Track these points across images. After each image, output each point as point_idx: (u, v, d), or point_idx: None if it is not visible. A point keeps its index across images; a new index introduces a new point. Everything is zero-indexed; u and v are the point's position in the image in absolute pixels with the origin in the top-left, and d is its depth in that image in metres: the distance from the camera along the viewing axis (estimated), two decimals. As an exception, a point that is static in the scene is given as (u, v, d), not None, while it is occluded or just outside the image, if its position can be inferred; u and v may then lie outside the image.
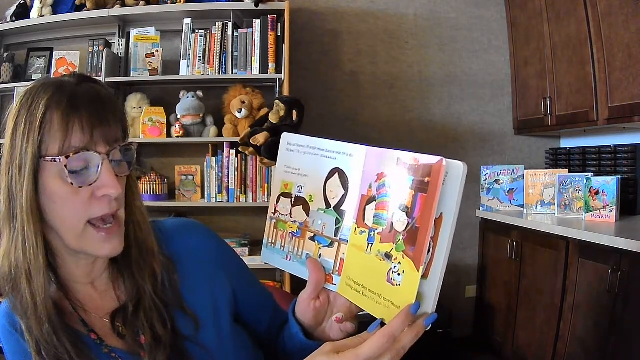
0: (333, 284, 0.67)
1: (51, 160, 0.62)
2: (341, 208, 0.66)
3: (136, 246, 0.71)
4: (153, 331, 0.68)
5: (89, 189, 0.63)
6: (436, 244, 0.54)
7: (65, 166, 0.61)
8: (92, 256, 0.69)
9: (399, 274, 0.57)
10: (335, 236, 0.67)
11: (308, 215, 0.69)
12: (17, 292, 0.64)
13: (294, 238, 0.71)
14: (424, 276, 0.55)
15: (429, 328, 0.56)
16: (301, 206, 0.70)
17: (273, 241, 0.74)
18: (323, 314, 0.71)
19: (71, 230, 0.64)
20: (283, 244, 0.73)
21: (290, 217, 0.72)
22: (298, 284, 0.71)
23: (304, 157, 0.70)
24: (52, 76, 2.47)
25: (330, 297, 0.70)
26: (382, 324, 0.59)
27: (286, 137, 0.73)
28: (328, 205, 0.67)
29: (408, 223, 0.56)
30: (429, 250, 0.54)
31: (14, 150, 0.62)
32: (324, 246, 0.68)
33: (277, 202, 0.73)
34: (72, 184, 0.62)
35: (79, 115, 0.62)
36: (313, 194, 0.69)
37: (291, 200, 0.71)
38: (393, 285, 0.57)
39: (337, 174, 0.67)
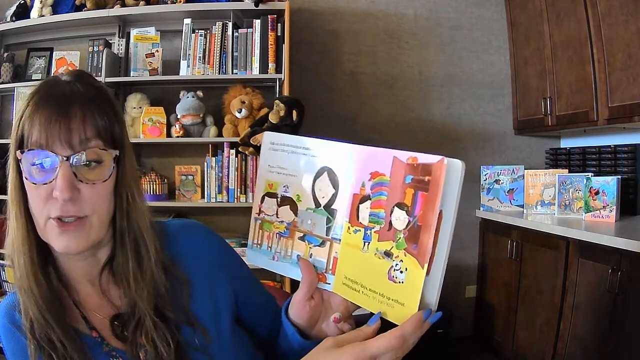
0: (327, 283, 0.67)
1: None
2: (332, 207, 0.65)
3: (134, 257, 0.70)
4: (154, 343, 0.68)
5: (46, 187, 0.63)
6: (437, 241, 0.54)
7: (20, 161, 0.63)
8: (80, 254, 0.68)
9: (401, 272, 0.57)
10: (326, 235, 0.66)
11: (296, 215, 0.69)
12: (16, 271, 0.66)
13: (281, 238, 0.70)
14: (426, 273, 0.55)
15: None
16: (288, 206, 0.69)
17: (259, 242, 0.73)
18: (318, 313, 0.70)
19: (38, 223, 0.65)
20: (270, 245, 0.71)
21: (277, 217, 0.70)
22: (298, 284, 0.71)
23: (289, 156, 0.69)
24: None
25: (324, 296, 0.70)
26: (382, 318, 0.59)
27: (269, 137, 0.71)
28: (318, 204, 0.67)
29: (409, 221, 0.56)
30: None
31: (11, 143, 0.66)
32: (315, 245, 0.67)
33: (262, 202, 0.72)
34: (26, 178, 0.63)
35: (42, 112, 0.63)
36: (301, 194, 0.68)
37: (277, 200, 0.70)
38: (395, 282, 0.57)
39: (325, 172, 0.66)
